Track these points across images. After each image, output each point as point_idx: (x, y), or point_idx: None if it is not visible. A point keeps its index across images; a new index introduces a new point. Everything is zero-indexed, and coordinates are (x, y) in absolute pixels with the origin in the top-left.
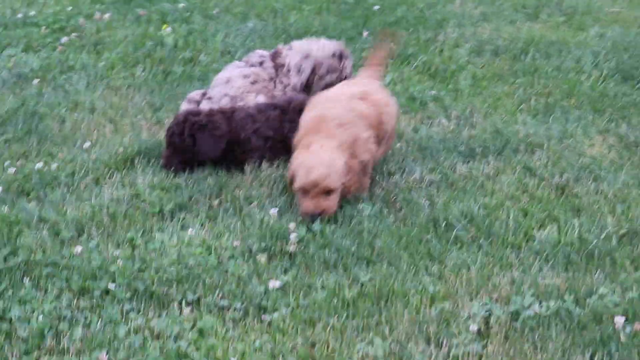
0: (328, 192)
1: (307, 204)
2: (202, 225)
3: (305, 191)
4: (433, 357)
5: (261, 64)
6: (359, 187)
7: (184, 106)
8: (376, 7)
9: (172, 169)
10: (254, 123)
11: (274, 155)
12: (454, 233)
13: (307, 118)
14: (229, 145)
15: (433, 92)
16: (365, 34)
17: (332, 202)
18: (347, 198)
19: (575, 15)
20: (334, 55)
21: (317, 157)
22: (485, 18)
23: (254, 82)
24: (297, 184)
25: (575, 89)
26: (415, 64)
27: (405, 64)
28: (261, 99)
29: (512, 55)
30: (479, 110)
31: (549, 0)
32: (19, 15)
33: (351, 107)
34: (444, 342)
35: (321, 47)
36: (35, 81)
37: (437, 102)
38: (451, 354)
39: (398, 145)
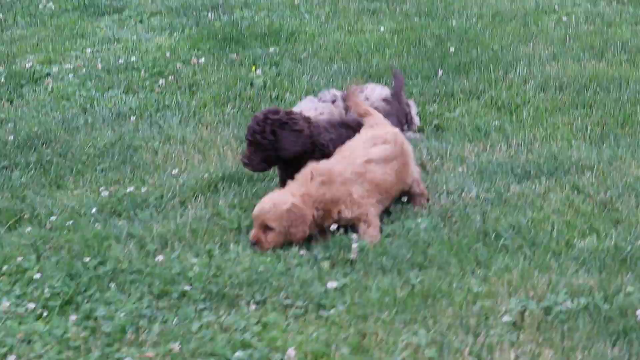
0: (266, 227)
1: (251, 231)
2: None
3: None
4: (470, 344)
5: (333, 102)
6: (302, 236)
7: None
8: (452, 50)
9: (252, 167)
10: (328, 133)
11: None
12: (501, 242)
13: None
14: (311, 145)
15: (496, 122)
16: (440, 73)
17: (268, 238)
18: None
19: (639, 53)
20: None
21: (273, 196)
22: (554, 58)
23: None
24: None
25: (630, 119)
26: (484, 98)
27: (474, 99)
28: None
29: (575, 90)
30: (538, 138)
31: (615, 41)
32: (121, 61)
33: (360, 171)
34: (482, 332)
35: (373, 92)
36: (133, 118)
37: (500, 132)
38: (487, 342)
39: (459, 168)
